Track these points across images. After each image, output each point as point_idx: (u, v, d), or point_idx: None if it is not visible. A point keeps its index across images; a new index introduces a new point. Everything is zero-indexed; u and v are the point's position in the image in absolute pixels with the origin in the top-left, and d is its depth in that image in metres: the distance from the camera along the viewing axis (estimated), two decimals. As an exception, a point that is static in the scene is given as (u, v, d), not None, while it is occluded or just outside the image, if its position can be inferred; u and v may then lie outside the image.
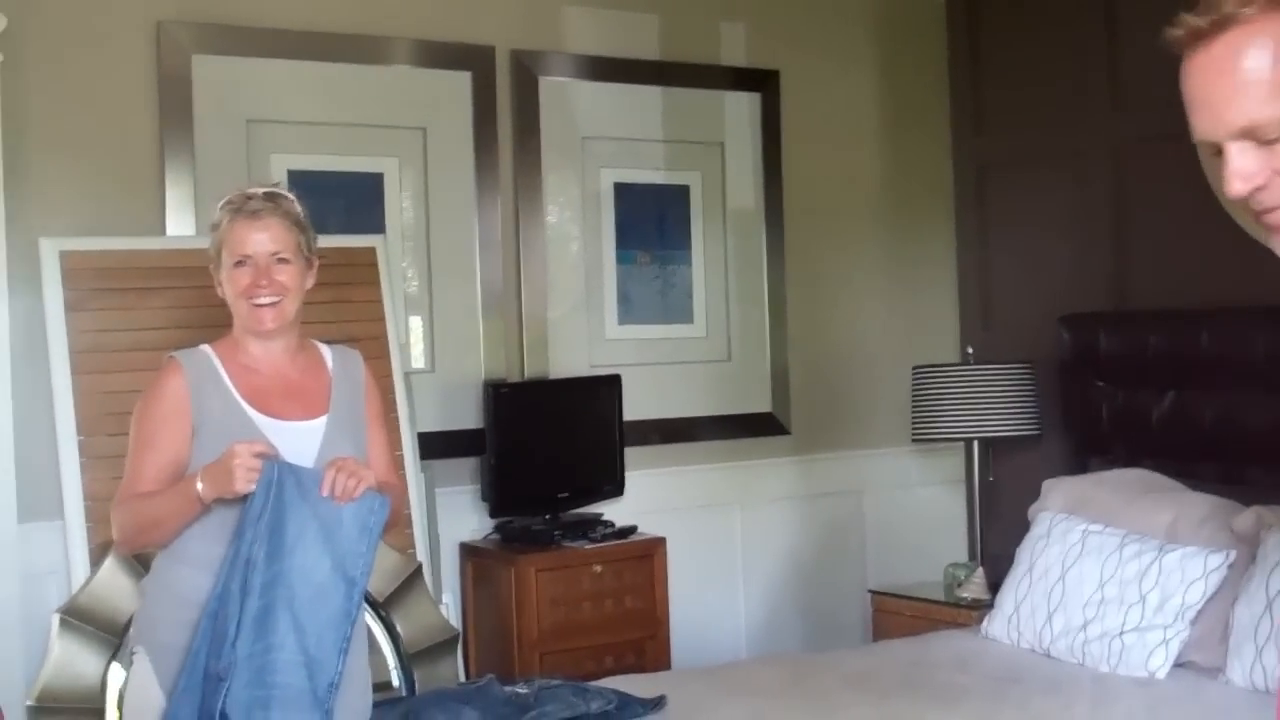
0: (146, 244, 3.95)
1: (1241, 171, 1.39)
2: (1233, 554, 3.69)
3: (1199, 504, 3.93)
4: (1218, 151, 1.41)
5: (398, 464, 3.02)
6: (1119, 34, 4.62)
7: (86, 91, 4.01)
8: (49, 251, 3.79)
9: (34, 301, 3.79)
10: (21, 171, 3.87)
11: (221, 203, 2.75)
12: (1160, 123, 4.27)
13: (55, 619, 3.45)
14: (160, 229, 4.05)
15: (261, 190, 2.74)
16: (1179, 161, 3.98)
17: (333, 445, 2.69)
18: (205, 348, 2.74)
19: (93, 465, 3.61)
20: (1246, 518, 3.75)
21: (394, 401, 4.06)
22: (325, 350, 2.85)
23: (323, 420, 2.73)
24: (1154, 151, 4.45)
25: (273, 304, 2.68)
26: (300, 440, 2.68)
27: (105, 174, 4.03)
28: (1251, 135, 1.37)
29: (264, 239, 2.68)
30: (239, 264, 2.68)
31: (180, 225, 4.08)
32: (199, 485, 2.56)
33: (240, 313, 2.71)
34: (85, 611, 3.43)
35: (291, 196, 2.77)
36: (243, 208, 2.70)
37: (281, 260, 2.69)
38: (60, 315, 3.74)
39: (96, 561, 3.51)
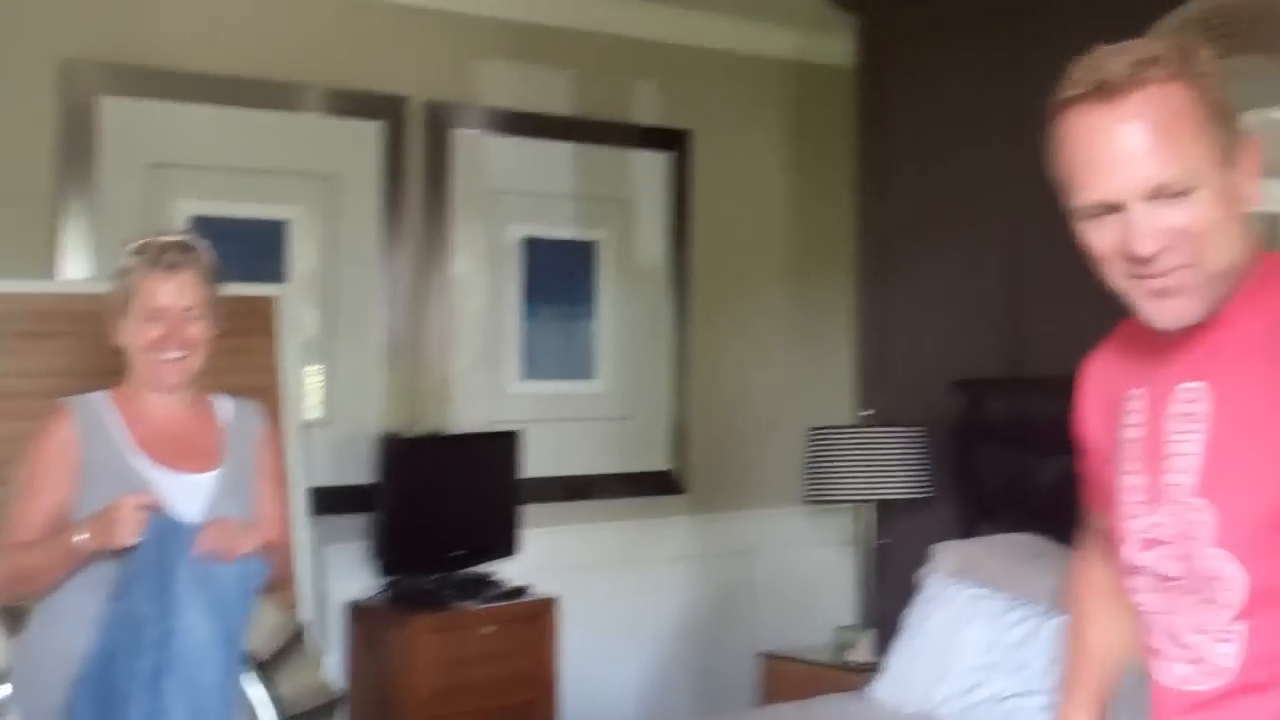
0: (40, 287, 3.88)
1: (1152, 230, 1.48)
2: (1115, 621, 3.73)
3: (1082, 571, 3.97)
4: (1105, 212, 1.51)
5: (290, 522, 2.98)
6: (1022, 106, 4.69)
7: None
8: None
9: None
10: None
11: (132, 248, 2.68)
12: (1055, 195, 4.39)
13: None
14: (53, 272, 3.99)
15: (178, 240, 2.70)
16: (1073, 233, 4.07)
17: (223, 500, 2.67)
18: (99, 395, 2.70)
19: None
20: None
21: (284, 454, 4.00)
22: (224, 403, 2.81)
23: (214, 474, 2.70)
24: (1052, 222, 4.51)
25: (179, 360, 2.64)
26: (190, 493, 2.64)
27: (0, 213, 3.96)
28: (1160, 194, 1.46)
29: (178, 293, 2.63)
30: (150, 317, 2.63)
31: (76, 269, 4.02)
32: (81, 536, 2.51)
33: (144, 365, 2.66)
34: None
35: (205, 247, 2.73)
36: (159, 260, 2.63)
37: (192, 315, 2.64)
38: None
39: (9, 628, 3.42)
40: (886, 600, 4.66)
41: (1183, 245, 1.49)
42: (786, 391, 5.36)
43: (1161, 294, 1.52)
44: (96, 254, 4.02)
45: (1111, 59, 1.50)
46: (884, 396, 5.08)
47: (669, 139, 5.14)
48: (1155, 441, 1.61)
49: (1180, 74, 1.48)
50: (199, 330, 2.66)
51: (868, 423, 4.82)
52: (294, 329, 4.22)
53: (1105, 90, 1.47)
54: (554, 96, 4.91)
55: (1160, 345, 1.63)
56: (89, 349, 3.65)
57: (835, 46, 5.30)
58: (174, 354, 2.64)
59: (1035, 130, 4.67)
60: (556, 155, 4.91)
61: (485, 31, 4.77)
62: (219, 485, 2.68)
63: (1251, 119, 3.93)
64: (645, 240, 5.10)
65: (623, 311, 5.03)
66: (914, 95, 5.05)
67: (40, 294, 3.85)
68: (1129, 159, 1.46)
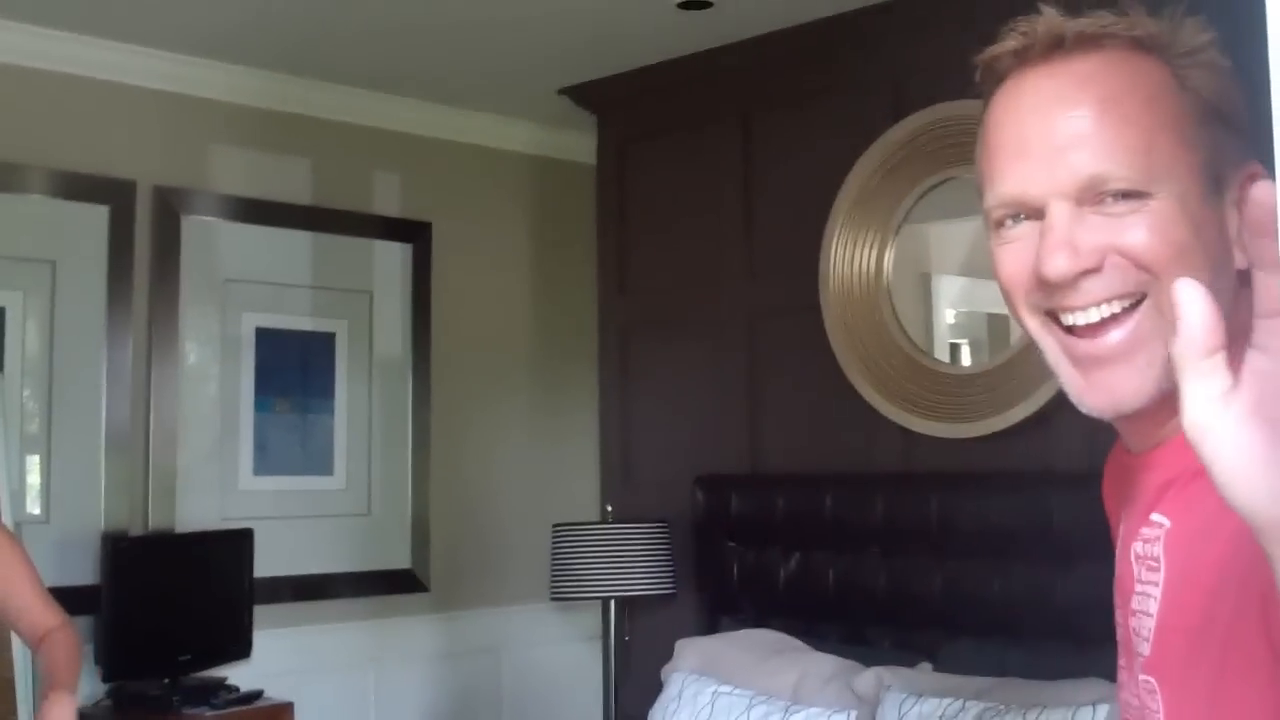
0: None
1: (1074, 242, 1.02)
2: (854, 714, 3.79)
3: (823, 664, 4.03)
4: (1021, 217, 1.07)
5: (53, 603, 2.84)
6: (755, 206, 4.82)
7: None
8: None
9: None
10: None
11: None
12: (789, 294, 4.52)
13: None
14: None
15: None
16: (807, 332, 4.19)
17: None
18: None
19: None
20: (867, 678, 3.87)
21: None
22: None
23: None
24: (785, 321, 4.64)
25: None
26: None
27: None
28: (1095, 192, 1.03)
29: None
30: None
31: None
32: None
33: None
34: None
35: None
36: None
37: None
38: None
39: None
40: (631, 697, 4.64)
41: (1125, 272, 1.03)
42: (531, 486, 5.34)
43: (1091, 361, 1.05)
44: None
45: (1064, 17, 1.06)
46: (627, 492, 5.09)
47: (409, 230, 5.11)
48: (1126, 590, 1.14)
49: (1159, 45, 1.06)
50: None
51: (611, 519, 4.82)
52: (10, 420, 3.98)
53: (1045, 49, 1.06)
54: (292, 184, 4.82)
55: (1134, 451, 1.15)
56: None
57: (577, 142, 5.36)
58: None
59: (764, 230, 4.87)
60: (294, 244, 4.82)
61: (223, 116, 4.66)
62: None
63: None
64: (385, 331, 5.03)
65: (362, 404, 4.94)
66: (651, 192, 5.14)
67: None
68: (1058, 139, 1.04)
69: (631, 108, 5.04)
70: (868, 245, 4.26)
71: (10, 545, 2.76)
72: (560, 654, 5.28)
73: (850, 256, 4.29)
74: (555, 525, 4.72)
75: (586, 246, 5.28)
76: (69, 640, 2.79)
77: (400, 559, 4.97)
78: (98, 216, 4.37)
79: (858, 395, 4.21)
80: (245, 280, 4.69)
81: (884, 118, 4.21)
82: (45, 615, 2.79)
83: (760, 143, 4.67)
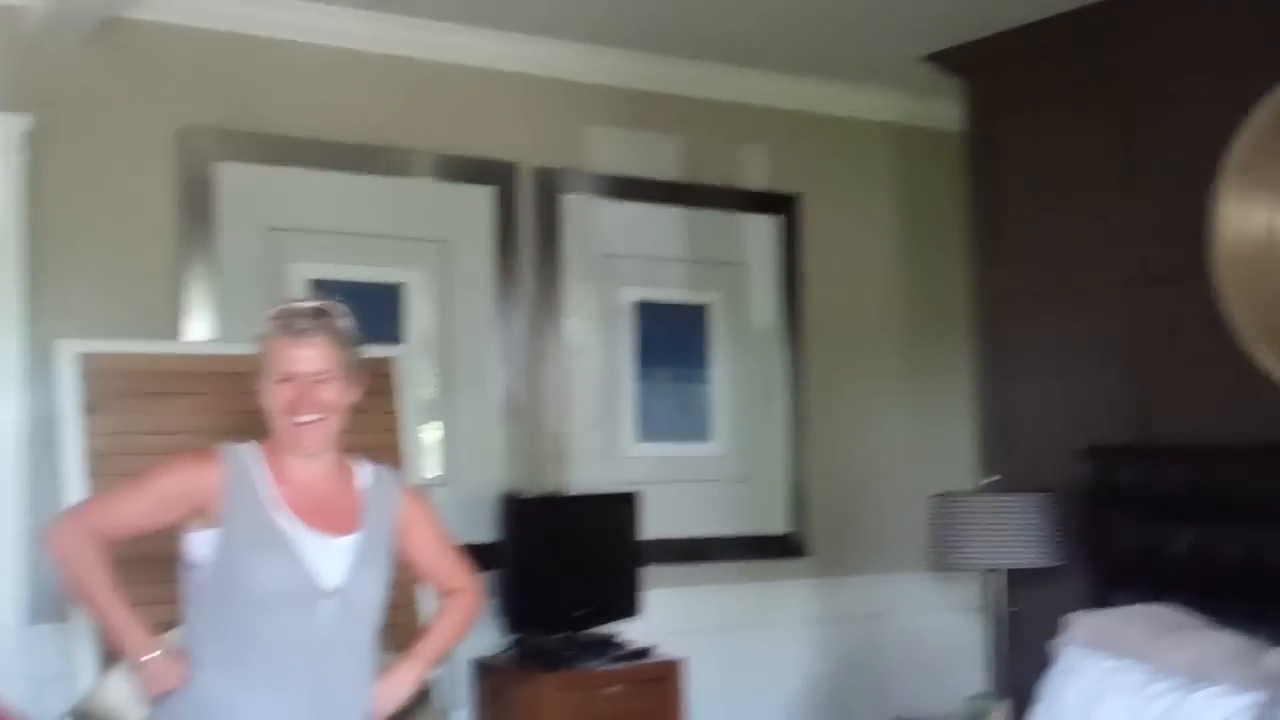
0: (165, 348, 3.90)
1: None
2: (1263, 694, 3.60)
3: (1225, 642, 3.84)
4: None
5: (463, 559, 2.96)
6: (1135, 173, 4.63)
7: (110, 194, 4.01)
8: (65, 353, 3.75)
9: (53, 402, 3.74)
10: (43, 272, 3.86)
11: (270, 314, 2.70)
12: (1174, 260, 4.32)
13: (65, 722, 3.36)
14: (179, 333, 4.01)
15: (310, 306, 2.70)
16: (1195, 298, 3.99)
17: (362, 564, 2.67)
18: (252, 446, 2.69)
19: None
20: (1277, 657, 3.67)
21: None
22: (364, 469, 2.80)
23: (352, 539, 2.68)
24: (1170, 287, 4.44)
25: (314, 422, 2.64)
26: (331, 555, 2.64)
27: (126, 277, 4.01)
28: None
29: (308, 358, 2.63)
30: (282, 381, 2.64)
31: (200, 330, 4.05)
32: (145, 651, 2.58)
33: (281, 429, 2.66)
34: (96, 713, 3.33)
35: (340, 313, 2.72)
36: (289, 325, 2.65)
37: (324, 379, 2.64)
38: (75, 417, 3.68)
39: (104, 667, 3.42)
40: (1018, 670, 4.53)
41: None
42: (905, 455, 5.30)
43: None
44: (217, 316, 4.05)
45: None
46: (1007, 462, 4.97)
47: (778, 202, 5.14)
48: None
49: None
50: (332, 394, 2.66)
51: (992, 489, 4.71)
52: (412, 389, 4.22)
53: None
54: (663, 161, 4.92)
55: None
56: (213, 408, 3.67)
57: (943, 110, 5.28)
58: (307, 417, 2.63)
59: (1145, 194, 4.67)
60: (666, 219, 4.92)
61: (595, 98, 4.80)
62: (359, 549, 2.68)
63: None
64: (757, 303, 5.07)
65: (736, 373, 5.00)
66: (1024, 158, 5.00)
67: (165, 354, 3.87)
68: None
69: (1000, 71, 4.93)
70: (1262, 208, 4.03)
71: (418, 504, 2.87)
72: (942, 624, 5.22)
73: (1242, 220, 4.07)
74: (934, 495, 4.65)
75: (956, 215, 5.19)
76: (465, 605, 2.91)
77: (779, 525, 5.01)
78: (483, 198, 4.58)
79: (1254, 363, 3.98)
80: (622, 255, 4.81)
81: (1274, 73, 3.98)
82: (452, 574, 2.91)
83: (1140, 103, 4.49)
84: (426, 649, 2.85)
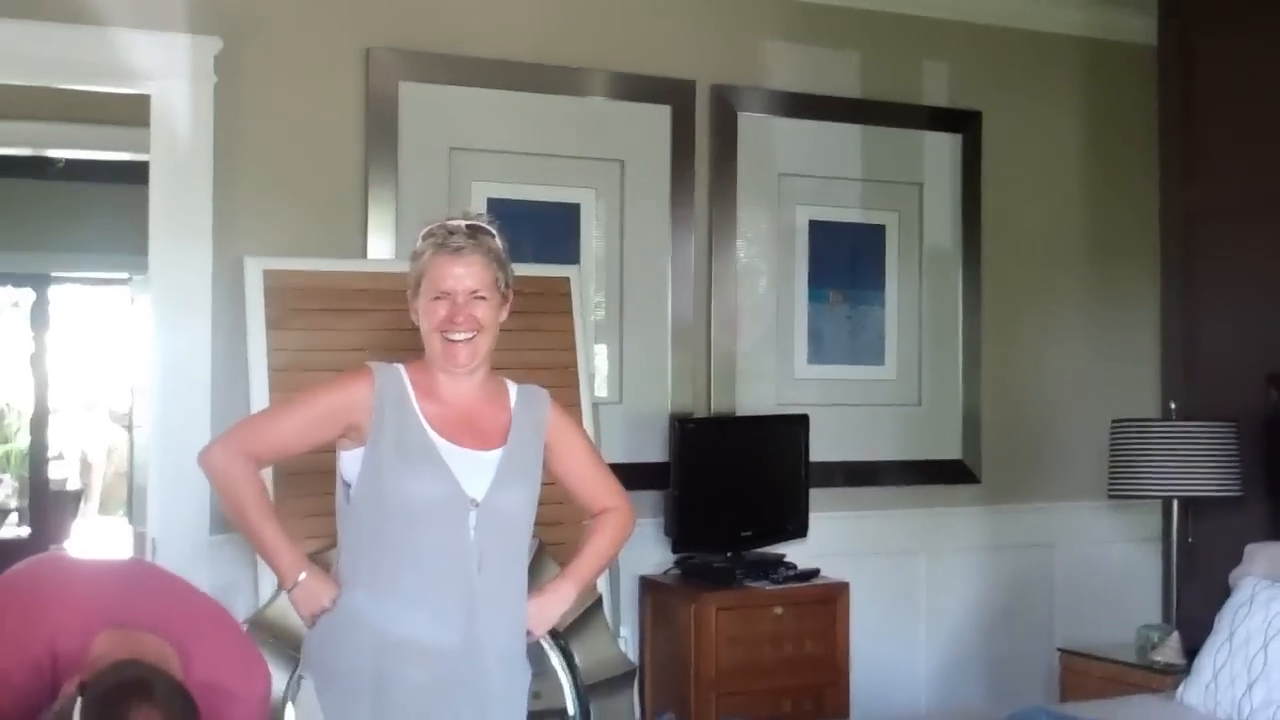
0: (347, 266, 4.01)
1: None
2: None
3: (1406, 573, 3.72)
4: None
5: (614, 477, 2.96)
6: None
7: (296, 115, 4.10)
8: (253, 270, 3.88)
9: (237, 318, 3.88)
10: (231, 191, 3.98)
11: (424, 232, 2.74)
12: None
13: (243, 629, 3.50)
14: (362, 252, 4.12)
15: (465, 224, 2.71)
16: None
17: (506, 478, 2.69)
18: (400, 366, 2.74)
19: (285, 480, 3.66)
20: None
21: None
22: (512, 388, 2.82)
23: (498, 452, 2.71)
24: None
25: (466, 340, 2.67)
26: (475, 469, 2.67)
27: (311, 196, 4.11)
28: None
29: (463, 275, 2.66)
30: (436, 298, 2.67)
31: (381, 249, 4.14)
32: (295, 573, 2.65)
33: (433, 346, 2.70)
34: (272, 625, 3.47)
35: (494, 231, 2.74)
36: (445, 242, 2.67)
37: (478, 297, 2.67)
38: (261, 332, 3.82)
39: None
40: (1193, 601, 4.44)
41: None
42: (1084, 381, 5.20)
43: None
44: (399, 234, 4.14)
45: None
46: (1191, 389, 4.84)
47: (959, 120, 5.03)
48: None
49: None
50: (485, 312, 2.69)
51: (1175, 416, 4.60)
52: (586, 309, 4.26)
53: None
54: (840, 78, 4.85)
55: None
56: (393, 325, 3.76)
57: (1132, 23, 5.10)
58: (460, 335, 2.67)
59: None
60: (843, 137, 4.85)
61: (771, 14, 4.75)
62: (503, 463, 2.70)
63: None
64: (935, 224, 4.99)
65: (912, 296, 4.94)
66: (1223, 75, 4.81)
67: (346, 272, 3.97)
68: None
69: (1197, -19, 4.73)
70: None
71: (566, 421, 2.87)
72: (1115, 553, 5.14)
73: None
74: (1114, 421, 4.56)
75: (1145, 133, 5.02)
76: (617, 524, 2.90)
77: (951, 450, 4.96)
78: (660, 116, 4.57)
79: None
80: (798, 174, 4.77)
81: None
82: (603, 492, 2.89)
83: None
84: (580, 568, 2.86)
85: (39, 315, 9.79)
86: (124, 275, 8.93)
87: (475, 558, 2.63)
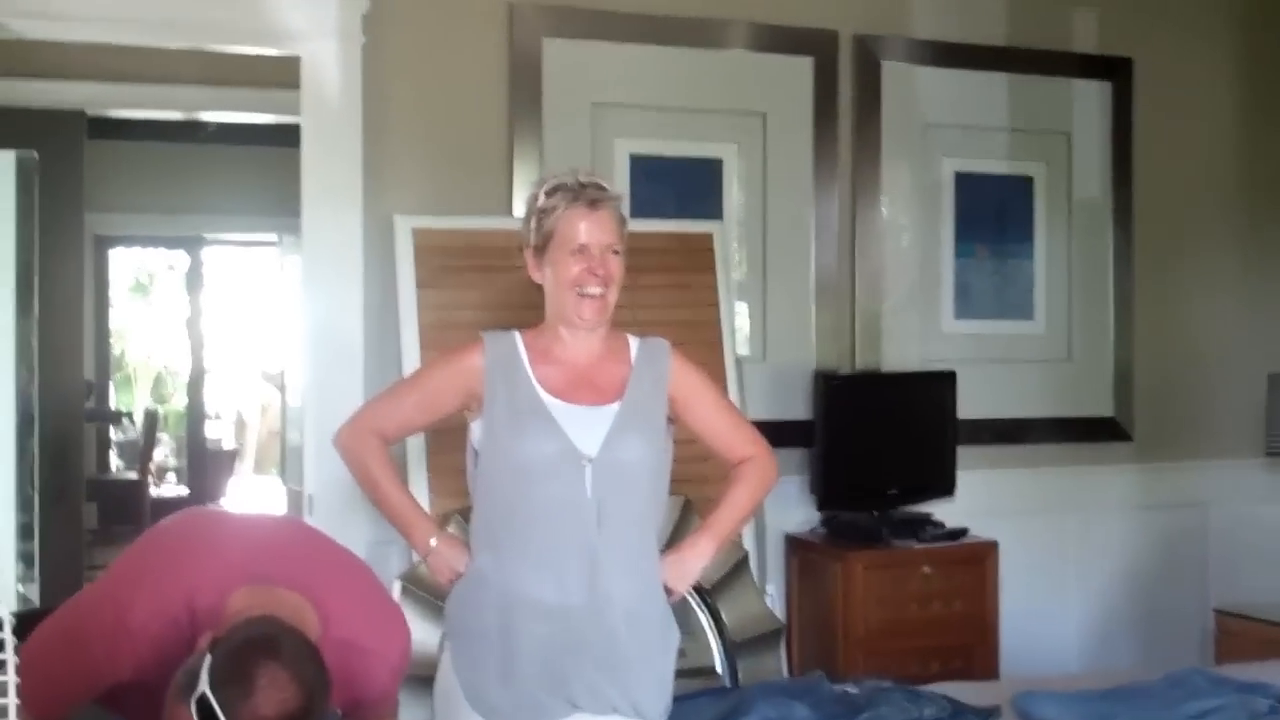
0: (494, 224, 4.04)
1: None
2: None
3: None
4: None
5: (750, 426, 2.87)
6: None
7: (442, 72, 4.13)
8: (402, 229, 3.93)
9: (387, 276, 3.94)
10: (381, 150, 4.03)
11: (548, 187, 2.68)
12: None
13: (396, 586, 3.56)
14: (507, 209, 4.14)
15: (593, 179, 2.68)
16: None
17: (622, 432, 2.64)
18: (515, 332, 2.72)
19: (436, 437, 3.71)
20: None
21: (724, 389, 4.05)
22: (633, 342, 2.76)
23: (614, 406, 2.66)
24: None
25: (598, 296, 2.63)
26: (589, 423, 2.63)
27: (457, 153, 4.15)
28: None
29: (600, 230, 2.63)
30: (575, 251, 2.63)
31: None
32: (427, 540, 2.71)
33: (564, 302, 2.66)
34: (424, 581, 3.51)
35: (614, 186, 2.74)
36: (580, 195, 2.64)
37: (613, 251, 2.65)
38: (411, 290, 3.87)
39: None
40: (1357, 562, 4.31)
41: None
42: (1240, 334, 5.04)
43: None
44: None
45: None
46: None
47: (1109, 67, 4.89)
48: None
49: None
50: (617, 267, 2.66)
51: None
52: (728, 265, 4.24)
53: None
54: (986, 25, 4.74)
55: None
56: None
57: (1294, -35, 4.91)
58: (594, 290, 2.63)
59: None
60: (990, 86, 4.75)
61: (909, -37, 4.65)
62: (619, 417, 2.65)
63: None
64: (1084, 174, 4.87)
65: (1061, 249, 4.83)
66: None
67: (492, 230, 4.00)
68: None
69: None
70: None
71: (691, 372, 2.77)
72: (1274, 512, 4.98)
73: None
74: (1272, 375, 4.43)
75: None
76: (757, 474, 2.81)
77: (1102, 406, 4.85)
78: (802, 68, 4.51)
79: None
80: (943, 125, 4.69)
81: None
82: (739, 442, 2.80)
83: None
84: (720, 521, 2.79)
85: (193, 278, 10.05)
86: (273, 237, 9.14)
87: (594, 514, 2.60)
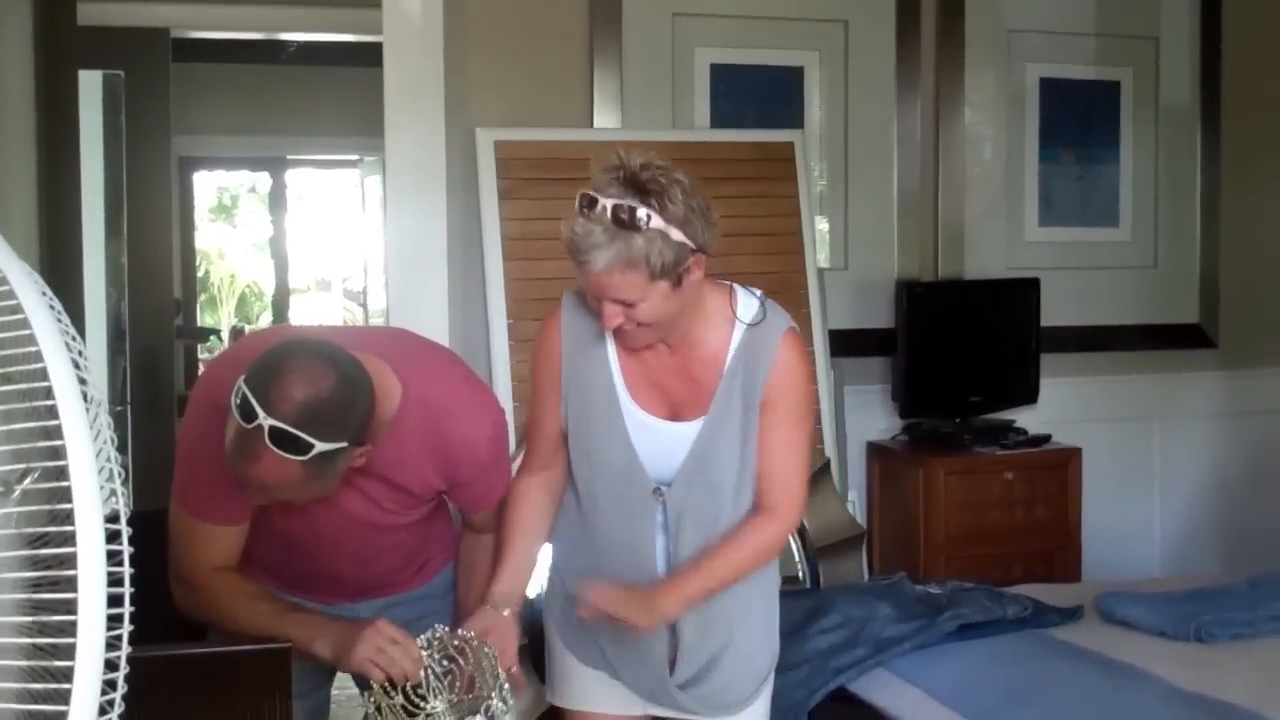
0: (574, 135, 4.05)
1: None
2: None
3: None
4: None
5: (796, 456, 2.33)
6: None
7: (522, -14, 4.15)
8: (484, 141, 3.96)
9: (470, 189, 3.98)
10: (461, 65, 4.05)
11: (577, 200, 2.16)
12: None
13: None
14: (588, 120, 4.16)
15: (609, 206, 2.10)
16: None
17: (705, 450, 2.28)
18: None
19: (519, 348, 3.77)
20: None
21: (805, 298, 4.07)
22: (739, 324, 2.28)
23: (698, 424, 2.28)
24: None
25: (634, 335, 2.23)
26: (669, 442, 2.30)
27: (538, 66, 4.16)
28: None
29: (603, 288, 2.14)
30: (593, 297, 2.20)
31: (607, 118, 4.18)
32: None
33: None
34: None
35: (644, 213, 2.10)
36: (577, 256, 2.13)
37: (629, 303, 2.15)
38: (494, 202, 3.91)
39: (519, 442, 3.64)
40: None
41: None
42: (1329, 242, 4.94)
43: None
44: (624, 103, 4.16)
45: None
46: None
47: (1200, -31, 4.79)
48: None
49: None
50: (645, 313, 2.17)
51: None
52: (809, 174, 4.24)
53: None
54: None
55: None
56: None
57: None
58: (624, 333, 2.24)
59: None
60: (1075, -10, 4.68)
61: None
62: (702, 434, 2.28)
63: None
64: (1172, 80, 4.78)
65: (1147, 155, 4.76)
66: None
67: (572, 141, 4.01)
68: None
69: None
70: None
71: (785, 385, 2.30)
72: (1363, 419, 4.92)
73: None
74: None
75: None
76: (763, 535, 2.35)
77: (1187, 314, 4.80)
78: (876, -26, 4.47)
79: None
80: (1028, 30, 4.62)
81: None
82: (770, 488, 2.34)
83: None
84: (691, 580, 2.27)
85: (276, 198, 10.15)
86: (354, 157, 9.20)
87: (660, 555, 2.32)
